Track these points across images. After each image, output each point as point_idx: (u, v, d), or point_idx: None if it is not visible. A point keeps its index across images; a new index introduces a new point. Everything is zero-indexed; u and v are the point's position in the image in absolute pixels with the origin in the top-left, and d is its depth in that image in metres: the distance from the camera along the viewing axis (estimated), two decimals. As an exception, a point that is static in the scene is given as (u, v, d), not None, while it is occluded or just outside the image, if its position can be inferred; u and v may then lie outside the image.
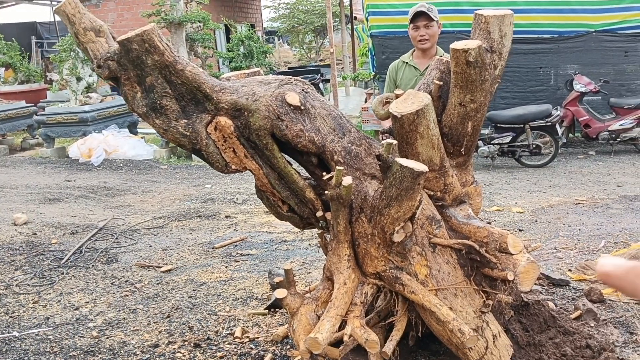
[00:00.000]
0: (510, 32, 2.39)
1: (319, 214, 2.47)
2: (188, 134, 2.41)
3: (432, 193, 2.47)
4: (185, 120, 2.41)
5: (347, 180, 2.23)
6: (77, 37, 2.48)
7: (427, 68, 3.51)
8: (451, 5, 8.43)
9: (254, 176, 2.52)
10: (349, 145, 2.45)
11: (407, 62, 3.71)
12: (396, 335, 2.32)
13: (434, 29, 3.53)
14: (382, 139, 2.57)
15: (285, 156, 2.48)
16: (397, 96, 2.46)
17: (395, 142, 2.22)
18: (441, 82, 2.48)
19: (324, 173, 2.41)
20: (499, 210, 5.37)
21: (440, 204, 2.49)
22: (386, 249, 2.30)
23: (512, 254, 2.26)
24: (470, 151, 2.59)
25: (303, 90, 2.46)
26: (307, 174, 2.62)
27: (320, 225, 2.52)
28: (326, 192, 2.31)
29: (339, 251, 2.38)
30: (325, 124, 2.44)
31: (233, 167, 2.49)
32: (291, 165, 2.49)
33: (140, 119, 5.76)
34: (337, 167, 2.26)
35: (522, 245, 2.29)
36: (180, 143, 2.45)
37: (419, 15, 3.50)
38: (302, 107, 2.39)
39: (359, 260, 2.40)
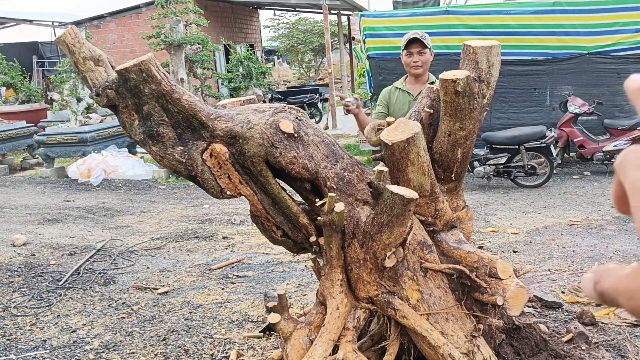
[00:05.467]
0: (498, 62, 2.46)
1: (313, 239, 2.51)
2: (184, 160, 2.47)
3: (423, 218, 2.52)
4: (182, 147, 2.47)
5: (340, 207, 2.28)
6: (77, 66, 2.55)
7: (419, 93, 3.60)
8: (446, 28, 8.58)
9: (248, 202, 2.57)
10: (342, 171, 2.50)
11: (400, 88, 3.78)
12: (388, 359, 2.35)
13: (426, 56, 3.61)
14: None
15: (280, 182, 2.53)
16: (389, 123, 2.52)
17: (386, 169, 2.28)
18: (432, 110, 2.55)
19: (317, 199, 2.46)
20: (494, 231, 5.41)
21: (432, 229, 2.53)
22: (378, 274, 2.34)
23: (501, 279, 2.30)
24: (461, 177, 2.64)
25: (297, 118, 2.53)
26: (301, 199, 2.67)
27: (313, 250, 2.57)
28: (319, 217, 2.35)
29: (331, 276, 2.43)
30: (318, 151, 2.50)
31: (228, 192, 2.54)
32: (285, 190, 2.54)
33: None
34: (330, 194, 2.31)
35: (511, 270, 2.33)
36: (177, 169, 2.50)
37: (413, 42, 3.59)
38: (296, 135, 2.44)
39: (352, 285, 2.44)
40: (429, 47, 3.61)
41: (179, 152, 2.45)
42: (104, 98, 2.47)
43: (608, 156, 7.73)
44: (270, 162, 2.44)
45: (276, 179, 2.52)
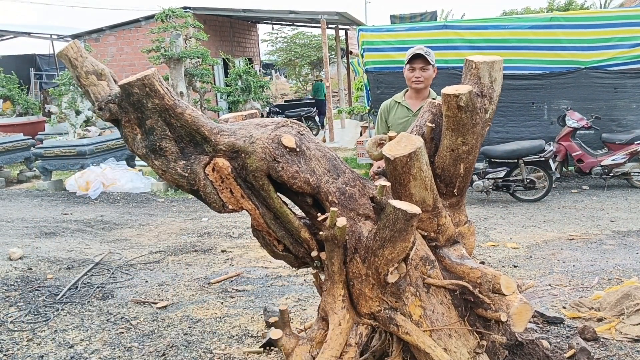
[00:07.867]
0: (500, 77, 2.47)
1: (314, 253, 2.50)
2: (186, 175, 2.46)
3: (425, 233, 2.51)
4: (184, 162, 2.46)
5: (342, 221, 2.27)
6: (79, 80, 2.55)
7: (419, 109, 3.61)
8: (444, 42, 8.63)
9: (250, 216, 2.56)
10: (343, 186, 2.49)
11: (399, 102, 3.79)
12: (391, 376, 2.33)
13: (429, 72, 3.62)
14: (375, 179, 2.62)
15: (281, 196, 2.53)
16: (391, 138, 2.52)
17: (388, 184, 2.27)
18: (433, 125, 2.55)
19: (319, 213, 2.45)
20: (494, 245, 5.40)
21: (434, 244, 2.52)
22: (380, 290, 2.32)
23: (505, 295, 2.29)
24: (463, 192, 2.63)
25: (298, 132, 2.52)
26: (302, 213, 2.66)
27: (315, 265, 2.55)
28: (321, 232, 2.34)
29: (333, 291, 2.41)
30: (320, 165, 2.49)
31: (230, 207, 2.53)
32: (287, 205, 2.53)
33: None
34: (332, 208, 2.30)
35: (515, 286, 2.32)
36: (179, 184, 2.49)
37: (416, 57, 3.60)
38: (298, 149, 2.44)
39: (354, 300, 2.42)
40: (432, 63, 3.62)
41: (182, 166, 2.44)
42: (107, 112, 2.46)
43: (606, 170, 7.75)
44: (272, 177, 2.44)
45: (277, 193, 2.51)
